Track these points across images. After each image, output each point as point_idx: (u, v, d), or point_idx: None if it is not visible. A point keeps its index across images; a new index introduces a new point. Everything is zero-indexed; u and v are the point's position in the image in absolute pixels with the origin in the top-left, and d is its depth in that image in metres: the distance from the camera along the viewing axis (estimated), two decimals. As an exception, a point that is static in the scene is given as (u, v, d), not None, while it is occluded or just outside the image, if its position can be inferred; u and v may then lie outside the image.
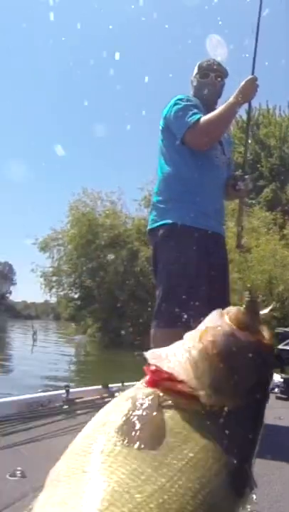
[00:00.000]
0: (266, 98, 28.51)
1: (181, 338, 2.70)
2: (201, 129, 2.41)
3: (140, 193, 20.46)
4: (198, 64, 2.67)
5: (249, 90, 2.50)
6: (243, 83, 2.49)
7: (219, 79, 2.65)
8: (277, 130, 26.62)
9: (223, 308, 2.02)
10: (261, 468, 1.66)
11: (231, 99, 2.46)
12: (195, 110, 2.47)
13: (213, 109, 2.64)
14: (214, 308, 2.58)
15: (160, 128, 2.61)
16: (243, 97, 2.48)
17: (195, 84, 2.68)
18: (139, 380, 0.80)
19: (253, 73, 2.60)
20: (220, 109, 2.46)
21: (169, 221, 2.44)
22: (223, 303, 2.63)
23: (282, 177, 26.33)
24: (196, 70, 2.68)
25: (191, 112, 2.46)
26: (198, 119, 2.42)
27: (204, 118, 2.43)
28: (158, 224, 2.50)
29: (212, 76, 2.62)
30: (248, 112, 2.93)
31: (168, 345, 2.58)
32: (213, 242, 2.50)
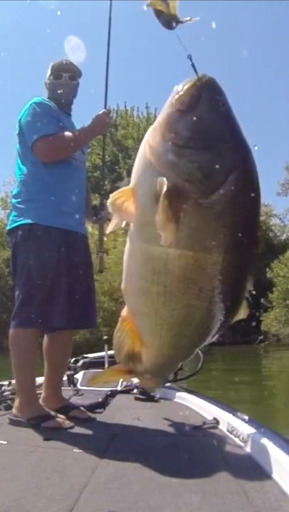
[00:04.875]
0: (124, 99, 29.20)
1: (38, 337, 2.71)
2: (50, 145, 2.44)
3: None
4: (51, 65, 2.66)
5: (102, 123, 2.59)
6: (96, 116, 2.56)
7: (73, 80, 2.66)
8: (135, 131, 27.38)
9: (86, 310, 2.38)
10: (119, 469, 1.69)
11: (85, 129, 2.54)
12: (47, 120, 2.47)
13: (68, 109, 2.70)
14: (76, 308, 2.67)
15: (16, 131, 2.56)
16: (96, 129, 2.59)
17: (49, 85, 2.66)
18: None
19: (105, 106, 2.70)
20: (73, 135, 2.48)
21: (28, 221, 2.43)
22: (86, 302, 2.69)
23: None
24: (49, 72, 2.66)
25: (44, 122, 2.45)
26: (50, 134, 2.43)
27: (56, 136, 2.45)
28: (17, 224, 2.47)
29: (65, 76, 2.63)
30: (103, 136, 2.96)
31: (26, 344, 2.59)
32: (73, 241, 2.51)
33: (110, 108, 2.59)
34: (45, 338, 2.59)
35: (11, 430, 2.26)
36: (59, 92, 2.63)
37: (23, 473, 1.64)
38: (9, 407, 2.57)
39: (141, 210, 1.22)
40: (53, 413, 2.40)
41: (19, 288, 2.44)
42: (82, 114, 2.88)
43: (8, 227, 2.57)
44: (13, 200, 2.58)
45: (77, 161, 2.60)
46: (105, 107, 2.68)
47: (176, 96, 1.21)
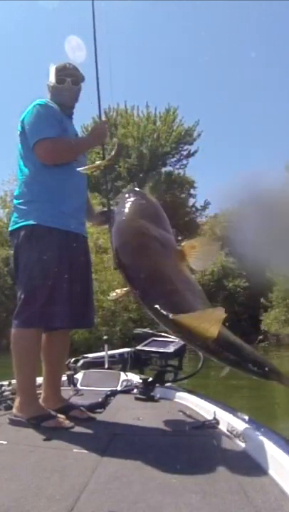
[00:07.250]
0: (124, 98, 29.15)
1: (40, 336, 2.77)
2: (51, 148, 2.46)
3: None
4: (54, 67, 2.66)
5: (100, 134, 2.66)
6: (94, 128, 2.64)
7: (76, 84, 2.68)
8: (135, 130, 27.36)
9: (84, 310, 2.67)
10: (119, 469, 1.69)
11: (85, 138, 2.59)
12: (50, 123, 2.49)
13: (70, 112, 2.71)
14: (76, 308, 2.74)
15: (18, 131, 2.57)
16: (95, 140, 2.69)
17: (51, 88, 2.67)
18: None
19: (100, 117, 2.78)
20: (73, 143, 2.53)
21: (30, 222, 2.45)
22: (85, 302, 2.71)
23: (140, 177, 27.18)
24: (52, 75, 2.66)
25: (47, 124, 2.47)
26: (52, 136, 2.46)
27: (58, 140, 2.48)
28: (19, 225, 2.49)
29: (68, 81, 2.64)
30: (103, 149, 2.86)
31: (27, 344, 2.64)
32: (74, 242, 2.53)
33: (107, 110, 2.62)
34: (43, 337, 2.61)
35: (11, 430, 2.26)
36: (61, 96, 2.64)
37: (23, 473, 1.64)
38: (9, 407, 2.57)
39: None
40: (53, 413, 2.40)
41: (21, 288, 2.46)
42: (83, 113, 2.90)
43: (10, 228, 2.59)
44: (15, 201, 2.60)
45: (78, 162, 2.61)
46: (99, 111, 2.71)
47: None
